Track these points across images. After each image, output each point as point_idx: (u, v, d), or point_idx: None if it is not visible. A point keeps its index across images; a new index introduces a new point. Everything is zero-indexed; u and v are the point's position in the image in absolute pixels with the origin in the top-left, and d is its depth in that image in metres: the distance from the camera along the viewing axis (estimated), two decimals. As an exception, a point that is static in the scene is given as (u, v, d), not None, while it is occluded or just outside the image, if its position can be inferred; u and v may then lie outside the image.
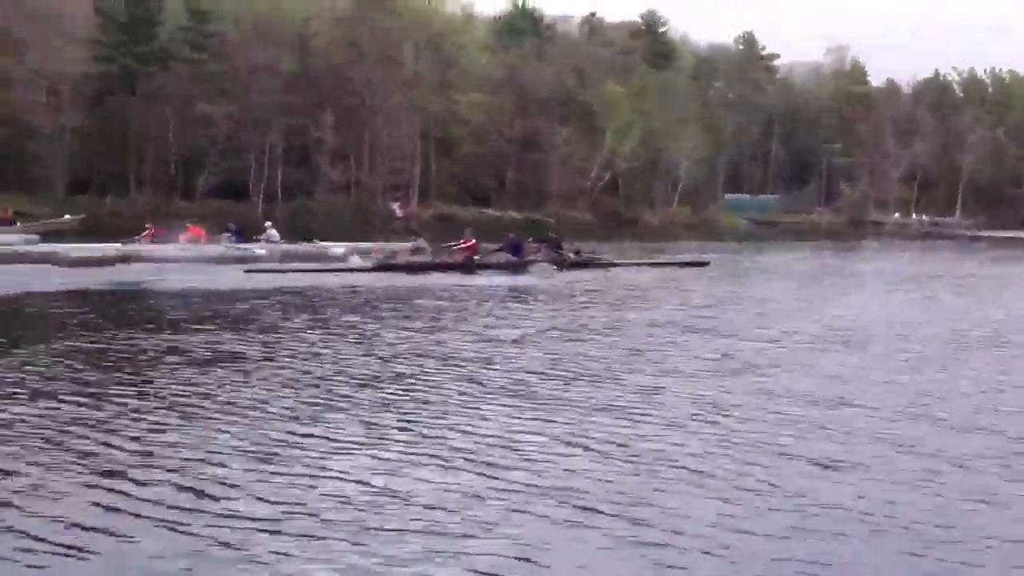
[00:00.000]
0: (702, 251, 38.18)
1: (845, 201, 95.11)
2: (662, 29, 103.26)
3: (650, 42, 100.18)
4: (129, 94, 59.76)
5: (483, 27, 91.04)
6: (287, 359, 11.84)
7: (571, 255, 25.40)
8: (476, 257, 24.14)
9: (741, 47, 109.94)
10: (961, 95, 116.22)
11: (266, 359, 11.82)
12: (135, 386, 10.11)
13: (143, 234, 28.97)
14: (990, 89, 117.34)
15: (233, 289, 19.30)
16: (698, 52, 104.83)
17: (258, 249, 27.83)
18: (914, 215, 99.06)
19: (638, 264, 26.84)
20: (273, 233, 29.69)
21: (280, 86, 63.57)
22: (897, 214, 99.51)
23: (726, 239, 61.36)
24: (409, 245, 23.72)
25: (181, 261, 24.75)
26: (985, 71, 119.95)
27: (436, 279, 21.79)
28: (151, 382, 10.33)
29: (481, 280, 22.22)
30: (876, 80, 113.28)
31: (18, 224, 34.97)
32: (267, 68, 62.90)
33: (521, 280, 22.55)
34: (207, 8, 64.81)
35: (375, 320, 15.76)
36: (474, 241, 24.18)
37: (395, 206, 70.13)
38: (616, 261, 26.49)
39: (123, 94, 59.69)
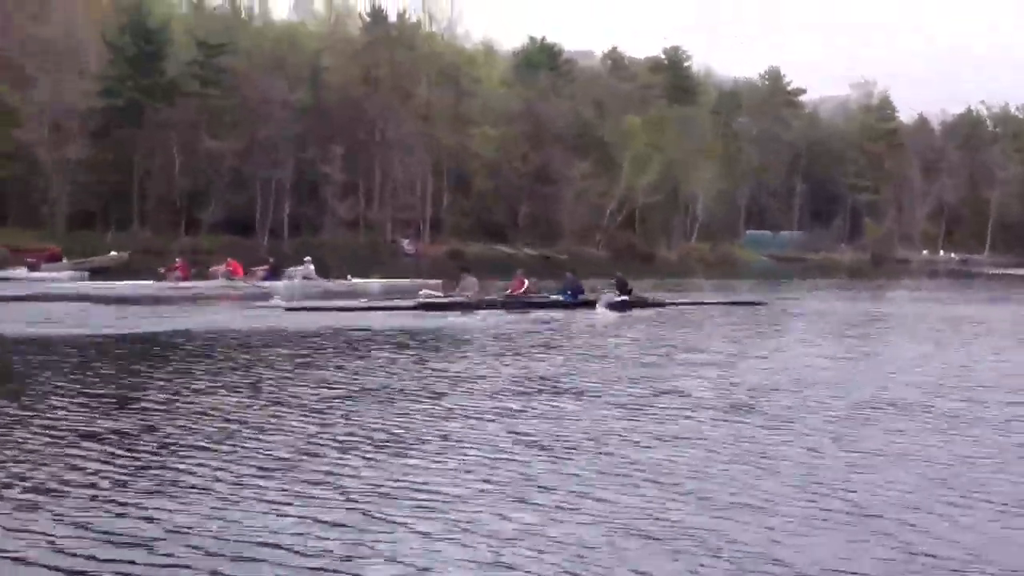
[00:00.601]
0: (719, 288, 36.76)
1: (869, 238, 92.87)
2: (685, 64, 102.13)
3: (672, 76, 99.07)
4: (135, 128, 59.32)
5: (502, 62, 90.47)
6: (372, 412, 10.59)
7: (625, 296, 24.50)
8: (534, 297, 23.44)
9: (766, 82, 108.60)
10: (994, 130, 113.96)
11: (343, 410, 10.65)
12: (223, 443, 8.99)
13: (168, 267, 28.62)
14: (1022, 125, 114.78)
15: (272, 328, 18.18)
16: (722, 86, 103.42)
17: (290, 285, 27.38)
18: (941, 252, 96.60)
19: (694, 304, 26.11)
20: (310, 269, 29.32)
21: (290, 119, 63.05)
22: (926, 251, 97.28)
23: (743, 276, 59.59)
24: (461, 284, 22.92)
25: (218, 299, 24.10)
26: (1017, 107, 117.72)
27: (495, 319, 20.71)
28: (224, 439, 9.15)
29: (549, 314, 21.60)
30: (904, 115, 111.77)
31: (65, 260, 34.48)
32: (278, 101, 62.41)
33: (582, 319, 21.60)
34: (218, 42, 64.45)
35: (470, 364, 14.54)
36: (527, 282, 23.35)
37: (405, 242, 69.21)
38: (671, 300, 25.83)
39: (129, 127, 59.26)
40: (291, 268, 29.53)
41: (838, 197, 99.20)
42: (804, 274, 68.03)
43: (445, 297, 22.63)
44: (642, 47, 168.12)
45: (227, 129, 61.89)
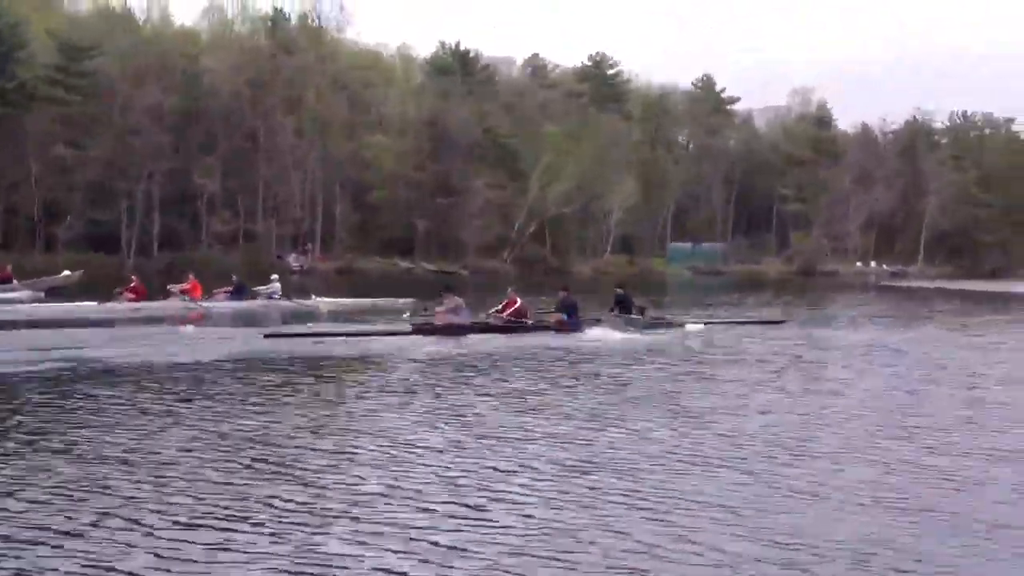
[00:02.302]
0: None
1: (796, 250, 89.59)
2: (611, 71, 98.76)
3: (598, 84, 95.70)
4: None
5: (415, 68, 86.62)
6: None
7: (636, 316, 21.92)
8: (527, 320, 20.85)
9: (699, 90, 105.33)
10: (934, 139, 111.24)
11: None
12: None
13: (120, 289, 26.28)
14: (954, 133, 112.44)
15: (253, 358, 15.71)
16: (651, 95, 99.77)
17: (264, 304, 26.69)
18: (872, 264, 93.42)
19: (708, 323, 23.79)
20: (276, 288, 27.98)
21: (160, 128, 58.78)
22: (859, 263, 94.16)
23: (653, 291, 55.91)
24: (443, 308, 20.19)
25: (181, 323, 21.89)
26: (958, 114, 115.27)
27: (497, 342, 18.66)
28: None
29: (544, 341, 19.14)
30: (846, 124, 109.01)
31: (15, 282, 31.15)
32: (146, 108, 58.14)
33: (588, 341, 19.42)
34: (86, 45, 60.08)
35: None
36: (519, 301, 20.95)
37: (291, 257, 64.99)
38: (685, 320, 23.43)
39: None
40: (260, 287, 28.01)
41: (770, 208, 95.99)
42: (719, 288, 64.51)
43: (439, 320, 20.13)
44: (575, 55, 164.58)
45: (91, 138, 57.44)
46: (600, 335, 20.01)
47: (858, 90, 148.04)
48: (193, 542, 6.35)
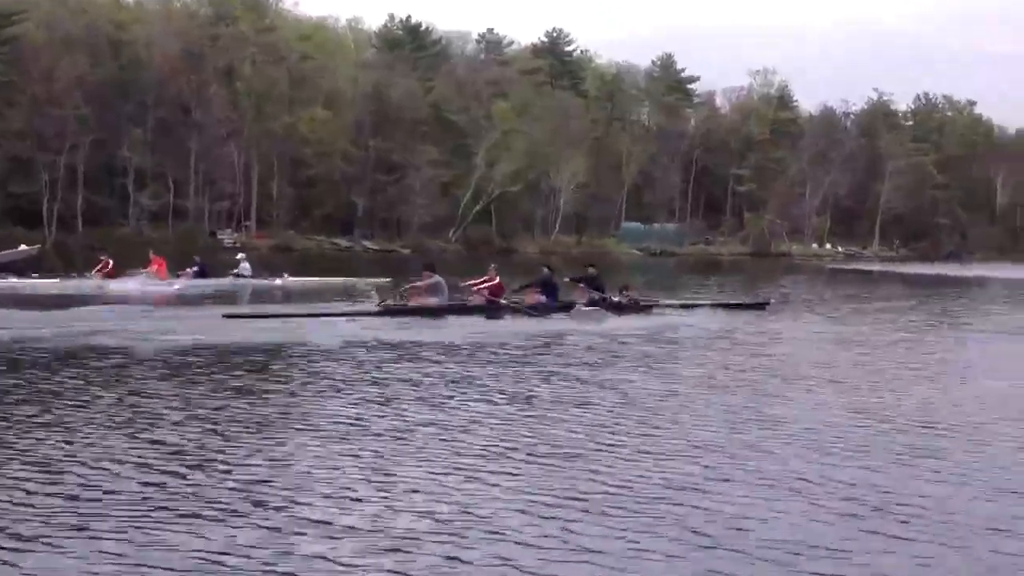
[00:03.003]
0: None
1: (749, 231, 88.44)
2: (568, 48, 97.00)
3: (553, 61, 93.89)
4: None
5: (364, 41, 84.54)
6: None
7: (614, 297, 20.96)
8: (503, 300, 19.88)
9: (657, 69, 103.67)
10: (897, 121, 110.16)
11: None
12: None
13: (98, 268, 25.80)
14: (917, 116, 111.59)
15: (216, 340, 14.71)
16: (607, 73, 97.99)
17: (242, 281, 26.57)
18: (828, 246, 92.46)
19: (690, 306, 22.71)
20: (245, 267, 27.57)
21: (85, 98, 56.54)
22: (816, 245, 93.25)
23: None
24: (422, 283, 19.09)
25: (144, 303, 20.65)
26: (920, 96, 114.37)
27: (470, 325, 17.68)
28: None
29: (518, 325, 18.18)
30: (810, 106, 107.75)
31: None
32: (69, 78, 55.89)
33: (571, 324, 18.47)
34: (8, 11, 57.74)
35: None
36: (498, 279, 20.01)
37: (224, 235, 63.11)
38: (665, 302, 22.49)
39: None
40: (230, 269, 27.79)
41: (726, 189, 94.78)
42: (663, 270, 63.17)
43: (414, 300, 19.15)
44: (530, 31, 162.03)
45: (10, 107, 55.22)
46: (579, 317, 19.07)
47: (823, 70, 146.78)
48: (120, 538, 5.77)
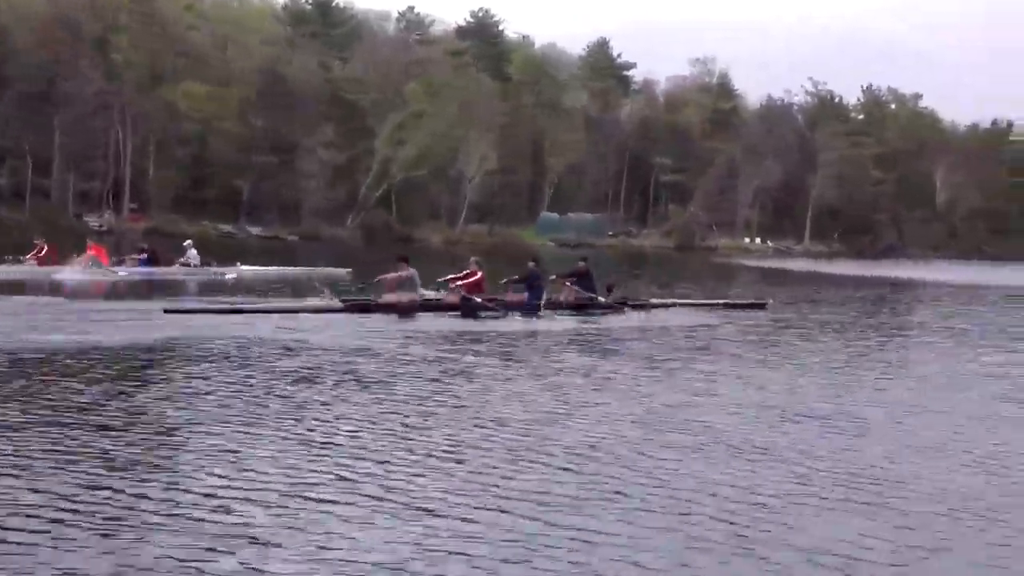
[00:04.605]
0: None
1: (673, 223, 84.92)
2: (495, 29, 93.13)
3: (480, 43, 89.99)
4: None
5: (268, 16, 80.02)
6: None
7: (600, 298, 19.45)
8: (477, 298, 18.19)
9: (591, 54, 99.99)
10: (841, 112, 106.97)
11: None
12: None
13: (31, 253, 24.27)
14: (863, 108, 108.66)
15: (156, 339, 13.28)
16: (534, 56, 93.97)
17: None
18: (758, 240, 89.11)
19: (685, 305, 21.32)
20: (193, 255, 25.63)
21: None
22: (747, 239, 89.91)
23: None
24: (394, 276, 17.68)
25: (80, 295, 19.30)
26: (864, 88, 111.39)
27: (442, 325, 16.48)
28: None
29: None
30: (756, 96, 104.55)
31: None
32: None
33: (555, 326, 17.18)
34: None
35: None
36: (480, 274, 18.32)
37: (92, 217, 58.66)
38: (656, 302, 20.98)
39: None
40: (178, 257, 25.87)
41: (654, 179, 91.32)
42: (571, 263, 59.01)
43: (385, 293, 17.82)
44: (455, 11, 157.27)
45: None
46: (559, 318, 17.83)
47: (785, 64, 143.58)
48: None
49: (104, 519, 5.65)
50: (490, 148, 73.24)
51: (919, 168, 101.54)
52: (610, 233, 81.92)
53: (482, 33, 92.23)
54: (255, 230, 63.51)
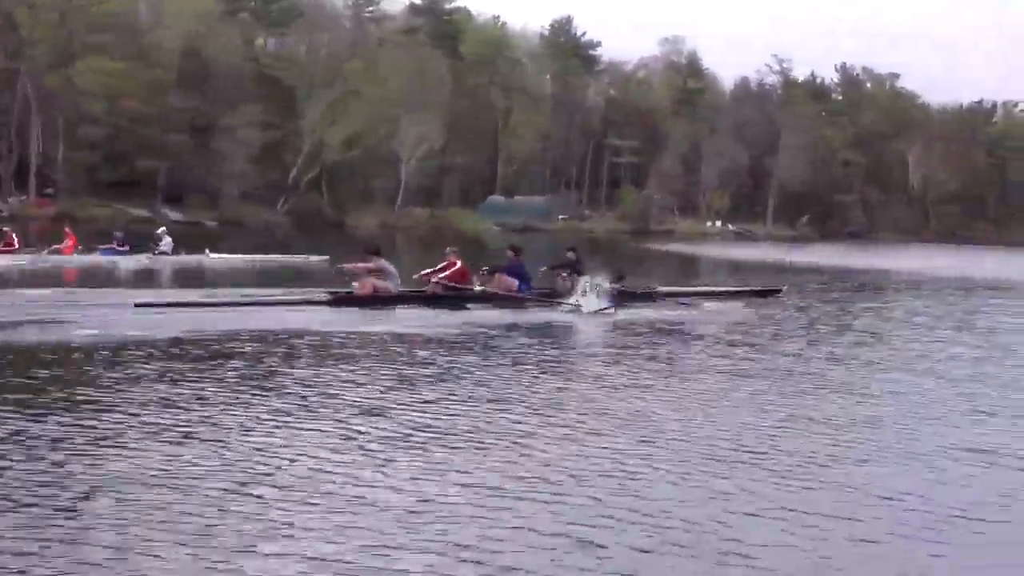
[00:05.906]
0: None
1: (627, 205, 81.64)
2: (448, 5, 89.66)
3: (434, 20, 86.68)
4: None
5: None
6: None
7: (607, 284, 17.78)
8: (471, 287, 17.41)
9: (554, 32, 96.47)
10: (820, 93, 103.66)
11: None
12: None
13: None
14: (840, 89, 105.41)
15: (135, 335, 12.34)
16: (490, 33, 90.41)
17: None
18: (718, 223, 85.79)
19: (691, 294, 20.11)
20: (167, 242, 25.46)
21: None
22: (710, 222, 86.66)
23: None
24: (363, 265, 16.56)
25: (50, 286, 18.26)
26: (836, 67, 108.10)
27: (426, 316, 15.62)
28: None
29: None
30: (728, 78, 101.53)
31: None
32: None
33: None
34: None
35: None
36: (460, 264, 17.42)
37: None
38: (664, 290, 19.68)
39: None
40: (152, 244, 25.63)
41: (609, 161, 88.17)
42: (532, 246, 55.59)
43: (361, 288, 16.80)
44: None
45: None
46: (578, 309, 16.41)
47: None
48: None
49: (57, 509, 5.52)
50: (435, 129, 69.93)
51: (895, 149, 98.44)
52: (561, 217, 78.52)
53: (435, 11, 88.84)
54: (173, 215, 60.26)
